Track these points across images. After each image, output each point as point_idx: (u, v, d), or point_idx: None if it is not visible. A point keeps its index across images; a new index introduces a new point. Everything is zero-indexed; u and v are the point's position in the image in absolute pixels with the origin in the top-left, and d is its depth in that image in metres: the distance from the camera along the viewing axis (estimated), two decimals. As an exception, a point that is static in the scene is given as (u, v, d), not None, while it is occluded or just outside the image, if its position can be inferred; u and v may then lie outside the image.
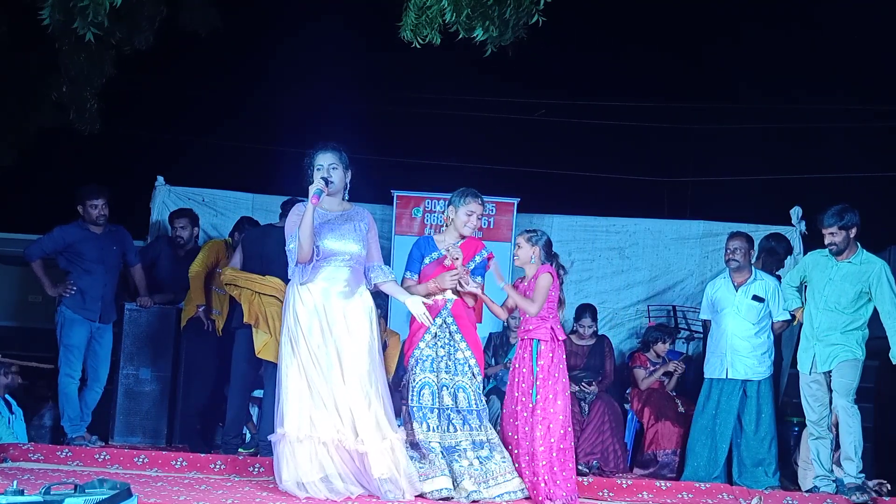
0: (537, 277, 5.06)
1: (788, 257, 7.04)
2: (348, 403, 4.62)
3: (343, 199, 4.93)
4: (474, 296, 5.06)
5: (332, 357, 4.66)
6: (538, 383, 4.98)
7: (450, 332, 5.00)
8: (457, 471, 4.77)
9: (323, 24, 10.05)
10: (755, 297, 6.12)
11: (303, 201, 4.83)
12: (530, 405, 4.97)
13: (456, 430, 4.89)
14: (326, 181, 4.73)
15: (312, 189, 4.67)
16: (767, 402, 6.10)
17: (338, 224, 4.81)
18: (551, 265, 5.09)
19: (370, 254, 4.89)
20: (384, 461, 4.56)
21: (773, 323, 6.17)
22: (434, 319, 4.96)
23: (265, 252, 5.80)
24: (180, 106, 11.16)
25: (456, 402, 4.92)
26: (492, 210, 8.01)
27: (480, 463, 4.83)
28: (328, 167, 4.80)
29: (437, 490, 4.68)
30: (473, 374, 4.99)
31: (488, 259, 5.15)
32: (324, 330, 4.69)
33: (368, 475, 4.58)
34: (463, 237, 5.09)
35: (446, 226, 5.16)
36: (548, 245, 5.14)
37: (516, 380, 5.09)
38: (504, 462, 4.88)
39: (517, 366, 5.11)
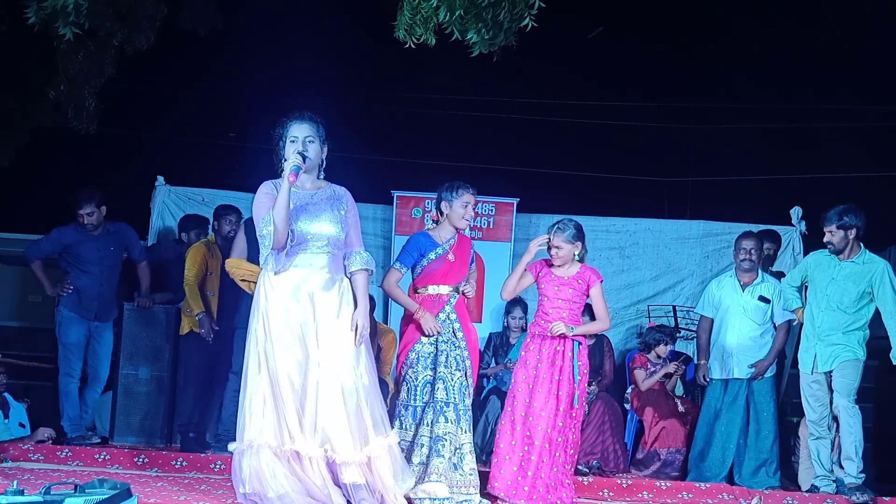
0: (589, 286, 4.97)
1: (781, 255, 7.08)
2: (324, 410, 4.17)
3: (318, 177, 4.45)
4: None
5: (309, 355, 4.21)
6: (578, 386, 4.91)
7: (452, 329, 4.90)
8: (433, 465, 4.64)
9: (324, 24, 10.05)
10: (761, 298, 6.13)
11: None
12: (570, 409, 4.87)
13: (447, 422, 4.73)
14: (303, 156, 4.24)
15: (288, 165, 4.17)
16: (770, 401, 6.10)
17: (313, 204, 4.33)
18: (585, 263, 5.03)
19: (349, 237, 4.41)
20: (359, 471, 4.20)
21: (775, 324, 6.17)
22: (437, 314, 4.88)
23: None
24: (180, 106, 11.15)
25: (447, 396, 4.78)
26: (491, 210, 8.03)
27: (455, 468, 4.71)
28: (304, 140, 4.31)
29: (427, 496, 4.57)
30: (466, 374, 4.89)
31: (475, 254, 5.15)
32: (302, 325, 4.22)
33: (341, 485, 4.21)
34: (457, 230, 4.99)
35: (436, 222, 5.02)
36: (580, 232, 4.98)
37: (543, 377, 4.89)
38: (472, 475, 4.75)
39: (557, 363, 4.90)
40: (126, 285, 6.83)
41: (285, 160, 4.27)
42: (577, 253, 4.97)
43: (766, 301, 6.12)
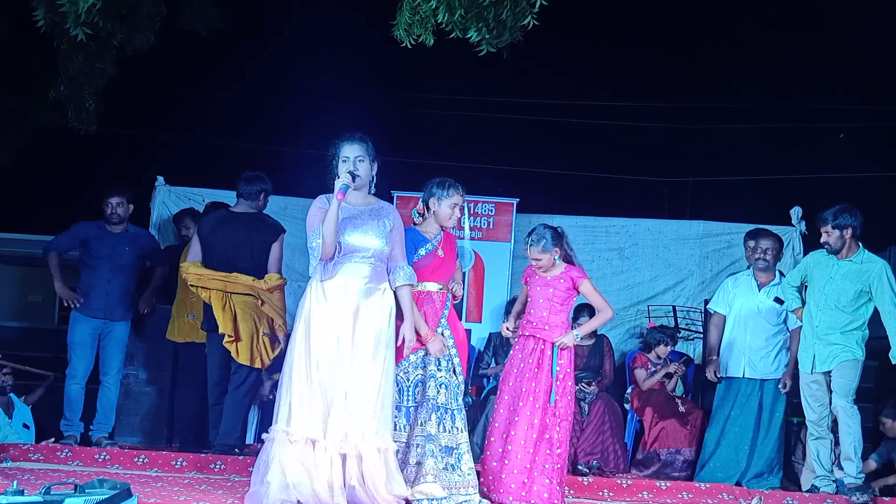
0: (576, 285, 4.99)
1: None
2: (351, 406, 4.41)
3: (369, 193, 4.72)
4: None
5: (342, 356, 4.44)
6: (558, 385, 4.91)
7: (441, 329, 4.89)
8: (428, 465, 4.65)
9: (324, 24, 10.06)
10: (776, 299, 6.11)
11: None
12: (547, 407, 4.87)
13: (440, 423, 4.74)
14: (353, 175, 4.52)
15: (338, 184, 4.45)
16: (780, 401, 6.10)
17: (362, 219, 4.59)
18: (574, 262, 5.05)
19: (393, 252, 4.66)
20: (358, 465, 4.37)
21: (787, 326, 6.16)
22: (439, 319, 4.88)
23: (227, 243, 5.67)
24: (181, 106, 11.16)
25: (440, 396, 4.77)
26: (491, 210, 8.03)
27: (445, 470, 4.70)
28: (355, 159, 4.60)
29: (425, 497, 4.57)
30: (455, 373, 4.88)
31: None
32: (339, 328, 4.47)
33: (360, 481, 4.36)
34: (443, 229, 4.99)
35: (423, 216, 5.01)
36: (556, 237, 5.01)
37: (526, 376, 4.94)
38: (470, 475, 4.76)
39: (529, 362, 4.95)
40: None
41: (338, 178, 4.52)
42: (556, 257, 5.01)
43: (781, 302, 6.09)
